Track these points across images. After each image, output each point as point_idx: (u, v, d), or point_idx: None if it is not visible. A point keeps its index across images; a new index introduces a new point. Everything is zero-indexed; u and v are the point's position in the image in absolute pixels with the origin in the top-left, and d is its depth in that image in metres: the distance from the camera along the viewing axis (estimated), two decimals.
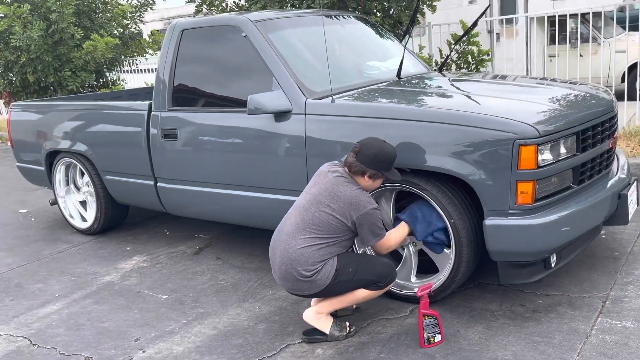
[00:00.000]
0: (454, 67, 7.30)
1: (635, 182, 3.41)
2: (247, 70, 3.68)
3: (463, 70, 7.14)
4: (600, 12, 9.85)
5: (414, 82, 3.81)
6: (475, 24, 4.32)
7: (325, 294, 2.80)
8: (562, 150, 2.87)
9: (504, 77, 4.20)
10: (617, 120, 3.45)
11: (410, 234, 2.97)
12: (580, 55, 9.20)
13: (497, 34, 11.22)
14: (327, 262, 2.74)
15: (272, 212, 3.54)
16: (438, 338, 2.75)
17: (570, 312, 2.93)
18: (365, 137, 3.03)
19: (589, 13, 9.86)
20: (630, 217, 3.22)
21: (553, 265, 2.96)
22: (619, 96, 7.12)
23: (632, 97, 7.75)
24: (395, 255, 3.25)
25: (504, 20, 10.27)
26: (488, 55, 7.08)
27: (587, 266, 3.43)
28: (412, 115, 3.01)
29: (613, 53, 9.64)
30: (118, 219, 4.91)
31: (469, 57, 7.20)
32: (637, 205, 3.44)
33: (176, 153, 3.98)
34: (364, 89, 3.60)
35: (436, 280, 3.08)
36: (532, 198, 2.76)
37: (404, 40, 4.26)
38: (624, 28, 7.19)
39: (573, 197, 2.97)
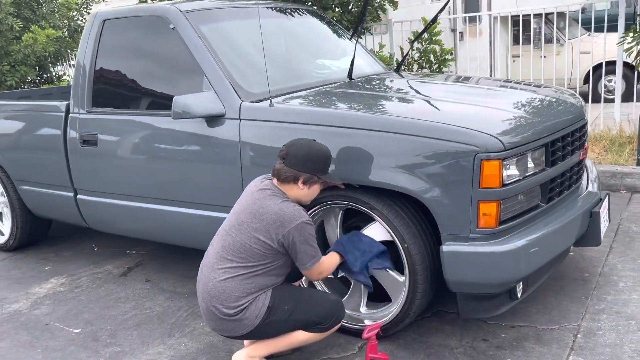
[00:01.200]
0: (415, 66, 6.98)
1: (607, 197, 3.09)
2: (176, 67, 3.22)
3: (425, 71, 6.81)
4: (564, 13, 9.71)
5: (366, 83, 3.41)
6: (434, 20, 3.95)
7: (255, 335, 2.37)
8: (530, 164, 2.51)
9: (466, 79, 3.85)
10: (587, 128, 3.12)
11: (344, 265, 2.57)
12: (544, 56, 9.03)
13: (460, 33, 10.99)
14: (258, 297, 2.31)
15: (205, 231, 3.06)
16: None
17: (538, 348, 2.58)
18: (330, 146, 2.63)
19: (552, 13, 9.69)
20: (602, 236, 2.90)
21: (519, 295, 2.59)
22: (582, 98, 6.94)
23: (595, 99, 7.58)
24: (346, 280, 2.84)
25: (467, 19, 10.00)
26: (451, 54, 6.76)
27: (554, 290, 3.09)
28: (359, 123, 2.60)
29: (576, 54, 9.50)
30: (39, 234, 4.36)
31: (431, 56, 6.89)
32: (609, 222, 3.13)
33: (97, 161, 3.48)
34: (310, 90, 3.17)
35: (387, 313, 2.68)
36: (496, 221, 2.38)
37: (356, 38, 3.83)
38: (588, 29, 6.97)
39: (541, 217, 2.62)
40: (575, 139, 2.82)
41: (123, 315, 3.20)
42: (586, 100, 6.93)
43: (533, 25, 8.76)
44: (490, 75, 10.81)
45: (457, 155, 2.37)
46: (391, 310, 2.66)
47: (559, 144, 2.64)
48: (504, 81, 3.83)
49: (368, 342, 2.32)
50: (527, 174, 2.47)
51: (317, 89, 3.21)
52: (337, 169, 2.60)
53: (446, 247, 2.43)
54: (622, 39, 5.61)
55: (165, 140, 3.19)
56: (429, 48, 6.88)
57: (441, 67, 6.93)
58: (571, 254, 3.54)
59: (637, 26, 5.83)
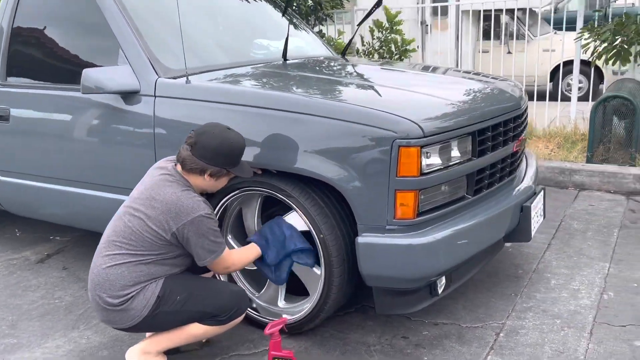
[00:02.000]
0: (376, 56, 6.82)
1: (542, 192, 2.98)
2: (94, 37, 2.99)
3: (386, 60, 6.68)
4: (532, 10, 9.65)
5: (301, 65, 3.23)
6: (379, 3, 3.78)
7: (145, 328, 2.19)
8: (454, 153, 2.37)
9: (414, 67, 3.70)
10: (525, 120, 3.00)
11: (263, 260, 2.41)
12: (509, 52, 8.97)
13: (427, 25, 10.88)
14: (147, 286, 2.13)
15: None
16: None
17: (458, 347, 2.45)
18: (243, 129, 2.44)
19: (522, 9, 9.64)
20: (534, 232, 2.78)
21: (440, 291, 2.46)
22: (544, 96, 6.86)
23: (566, 98, 7.51)
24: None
25: (436, 11, 9.88)
26: (418, 47, 6.61)
27: (486, 287, 2.98)
28: (275, 103, 2.43)
29: (540, 51, 9.48)
30: None
31: (392, 46, 6.75)
32: (543, 218, 3.02)
33: (8, 139, 3.24)
34: (237, 69, 2.98)
35: (304, 308, 2.53)
36: (413, 212, 2.24)
37: (288, 18, 3.65)
38: (560, 29, 6.89)
39: (467, 209, 2.48)
40: (508, 129, 2.69)
41: (29, 305, 2.98)
42: (551, 99, 6.87)
43: (503, 21, 8.67)
44: (448, 67, 10.77)
45: (374, 141, 2.21)
46: (307, 305, 2.51)
47: (489, 133, 2.51)
48: (453, 70, 3.70)
49: (271, 339, 2.16)
50: (450, 164, 2.33)
51: (245, 68, 3.02)
52: (252, 152, 2.42)
53: (361, 239, 2.28)
54: (579, 35, 5.55)
55: (78, 117, 2.97)
56: (389, 37, 6.75)
57: (402, 57, 6.80)
58: (509, 250, 3.44)
59: (596, 22, 5.78)
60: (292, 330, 2.57)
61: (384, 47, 6.80)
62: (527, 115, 3.05)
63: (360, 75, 3.10)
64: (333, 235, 2.36)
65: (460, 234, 2.35)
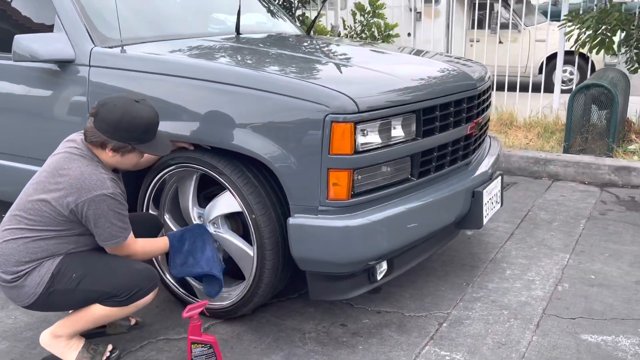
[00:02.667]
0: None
1: (500, 178, 2.85)
2: (28, 2, 2.84)
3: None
4: (528, 1, 9.47)
5: (253, 40, 3.08)
6: None
7: (43, 307, 2.05)
8: (396, 132, 2.23)
9: (378, 46, 3.54)
10: (484, 103, 2.86)
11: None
12: (500, 42, 8.80)
13: (418, 12, 10.69)
14: (44, 263, 1.99)
15: None
16: None
17: (396, 336, 2.34)
18: (162, 100, 2.31)
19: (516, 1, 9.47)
20: (486, 219, 2.66)
21: (379, 277, 2.34)
22: (536, 87, 6.70)
23: (549, 89, 7.35)
24: None
25: None
26: (410, 34, 6.45)
27: (437, 275, 2.86)
28: (207, 74, 2.29)
29: (533, 42, 9.31)
30: None
31: (375, 30, 6.59)
32: (500, 205, 2.89)
33: None
34: (183, 41, 2.84)
35: (236, 292, 2.41)
36: (347, 192, 2.11)
37: None
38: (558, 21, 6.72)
39: (412, 192, 2.36)
40: (461, 110, 2.55)
41: None
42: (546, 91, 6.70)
43: (496, 9, 8.49)
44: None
45: (306, 116, 2.08)
46: (240, 289, 2.39)
47: (436, 113, 2.37)
48: (425, 52, 3.55)
49: (190, 323, 2.04)
50: (390, 143, 2.20)
51: (192, 40, 2.87)
52: (183, 126, 2.29)
53: (292, 220, 2.15)
54: (562, 23, 5.40)
55: (10, 86, 2.82)
56: (371, 21, 6.59)
57: (385, 42, 6.65)
58: (469, 239, 3.32)
59: (581, 10, 5.63)
60: (228, 314, 2.45)
61: (366, 32, 6.65)
62: (487, 98, 2.91)
63: (312, 51, 2.95)
64: (266, 216, 2.23)
65: (399, 217, 2.22)
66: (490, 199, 2.71)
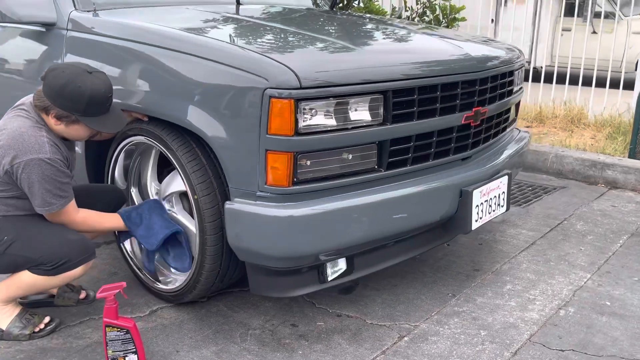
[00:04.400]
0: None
1: (507, 177, 2.46)
2: None
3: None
4: None
5: (249, 10, 2.85)
6: None
7: None
8: (357, 115, 1.95)
9: (392, 22, 3.16)
10: (497, 89, 2.47)
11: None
12: (594, 32, 7.95)
13: None
14: None
15: None
16: (134, 359, 1.94)
17: (345, 345, 2.07)
18: (119, 67, 2.19)
19: None
20: (477, 223, 2.30)
21: (331, 277, 2.08)
22: (630, 85, 5.90)
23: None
24: None
25: None
26: (493, 20, 5.95)
27: (424, 282, 2.54)
28: (151, 38, 2.14)
29: (630, 34, 8.35)
30: None
31: (440, 13, 6.14)
32: (505, 209, 2.51)
33: None
34: (169, 8, 2.69)
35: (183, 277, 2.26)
36: (287, 178, 1.86)
37: None
38: None
39: (379, 184, 2.06)
40: (452, 95, 2.21)
41: None
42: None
43: None
44: (531, 50, 9.79)
45: (245, 89, 1.85)
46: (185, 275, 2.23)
47: (414, 96, 2.05)
48: (438, 32, 3.17)
49: (105, 304, 1.90)
50: (348, 126, 1.92)
51: (180, 7, 2.72)
52: (131, 94, 2.16)
53: (229, 205, 1.94)
54: None
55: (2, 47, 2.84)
56: (434, 3, 6.15)
57: (449, 27, 6.19)
58: (479, 244, 2.94)
59: None
60: (176, 299, 2.31)
61: (428, 14, 6.23)
62: (502, 85, 2.51)
63: (299, 24, 2.67)
64: (210, 197, 2.04)
65: (352, 210, 1.94)
66: (486, 200, 2.34)
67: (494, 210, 2.42)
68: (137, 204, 2.47)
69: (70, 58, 2.46)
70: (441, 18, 6.19)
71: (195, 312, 2.28)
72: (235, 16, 2.62)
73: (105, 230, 2.28)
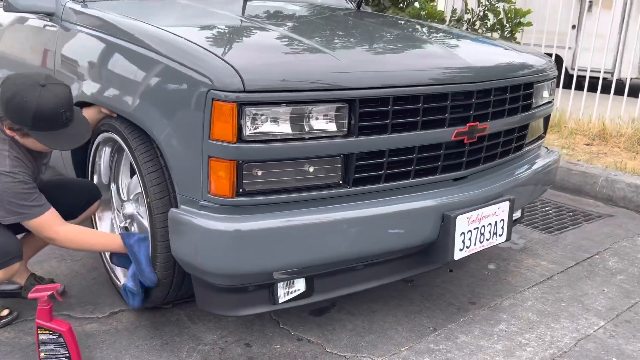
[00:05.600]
0: (482, 29, 5.86)
1: (508, 203, 2.17)
2: None
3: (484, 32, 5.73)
4: None
5: (252, 7, 2.71)
6: None
7: None
8: (318, 124, 1.75)
9: (409, 25, 2.89)
10: (499, 101, 2.18)
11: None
12: None
13: (590, 1, 9.17)
14: None
15: None
16: None
17: None
18: (91, 59, 2.14)
19: None
20: (461, 253, 2.03)
21: (285, 299, 1.90)
22: None
23: None
24: None
25: None
26: (574, 26, 5.51)
27: (408, 311, 2.29)
28: (112, 29, 2.09)
29: None
30: None
31: (503, 17, 5.74)
32: (505, 238, 2.21)
33: None
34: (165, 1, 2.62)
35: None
36: (231, 188, 1.70)
37: None
38: None
39: (345, 201, 1.86)
40: (442, 107, 1.95)
41: None
42: None
43: None
44: (615, 60, 9.00)
45: (191, 88, 1.71)
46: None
47: (387, 106, 1.83)
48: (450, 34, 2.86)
49: (38, 306, 1.83)
50: (304, 137, 1.73)
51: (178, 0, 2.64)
52: (96, 87, 2.10)
53: (172, 212, 1.82)
54: None
55: (16, 34, 2.88)
56: (496, 5, 5.75)
57: (513, 32, 5.78)
58: (487, 273, 2.64)
59: None
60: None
61: (489, 18, 5.83)
62: (506, 99, 2.21)
63: (284, 22, 2.46)
64: (163, 202, 1.92)
65: (304, 228, 1.76)
66: (476, 228, 2.07)
67: (488, 240, 2.14)
68: (114, 201, 2.42)
69: (60, 48, 2.44)
70: (505, 22, 5.80)
71: (154, 319, 2.18)
72: (222, 12, 2.46)
73: (97, 251, 2.20)
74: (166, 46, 1.83)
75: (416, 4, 5.94)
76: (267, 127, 1.69)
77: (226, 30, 2.13)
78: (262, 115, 1.68)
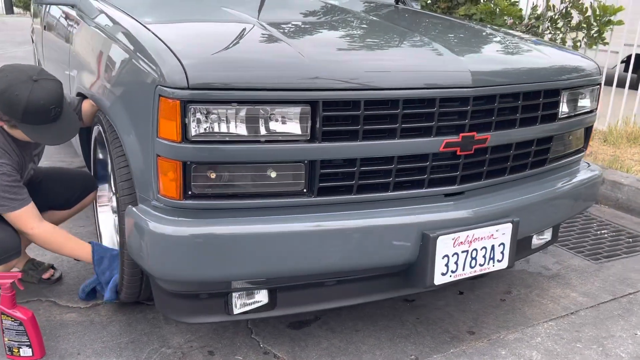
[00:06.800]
0: (566, 31, 5.35)
1: (509, 225, 1.90)
2: None
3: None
4: None
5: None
6: None
7: None
8: (276, 127, 1.62)
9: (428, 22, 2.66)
10: (510, 109, 1.92)
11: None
12: None
13: None
14: None
15: None
16: (27, 352, 1.87)
17: None
18: (82, 48, 2.15)
19: None
20: (444, 278, 1.80)
21: (238, 310, 1.79)
22: None
23: None
24: None
25: None
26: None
27: (394, 334, 2.10)
28: (111, 29, 2.03)
29: None
30: None
31: (590, 15, 5.22)
32: (506, 265, 1.95)
33: None
34: None
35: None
36: (177, 190, 1.62)
37: None
38: None
39: (310, 211, 1.71)
40: (428, 114, 1.74)
41: None
42: None
43: None
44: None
45: (144, 83, 1.64)
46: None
47: (358, 111, 1.65)
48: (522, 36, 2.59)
49: (2, 293, 1.85)
50: (259, 139, 1.60)
51: None
52: (86, 79, 2.10)
53: (129, 210, 1.76)
54: None
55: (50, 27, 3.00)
56: (580, 2, 5.24)
57: (601, 32, 5.25)
58: (503, 300, 2.37)
59: None
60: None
61: (571, 15, 5.33)
62: (518, 107, 1.93)
63: (277, 14, 2.33)
64: (130, 198, 1.86)
65: (258, 237, 1.63)
66: (464, 251, 1.83)
67: (482, 265, 1.89)
68: (107, 194, 2.43)
69: (72, 40, 2.49)
70: (592, 21, 5.29)
71: (132, 315, 2.16)
72: (229, 9, 2.37)
73: (66, 255, 2.19)
74: (135, 41, 1.77)
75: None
76: (218, 127, 1.58)
77: (203, 25, 2.06)
78: (211, 114, 1.57)
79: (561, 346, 2.07)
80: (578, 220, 3.38)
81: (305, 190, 1.70)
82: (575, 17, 5.39)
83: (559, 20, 5.44)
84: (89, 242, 2.11)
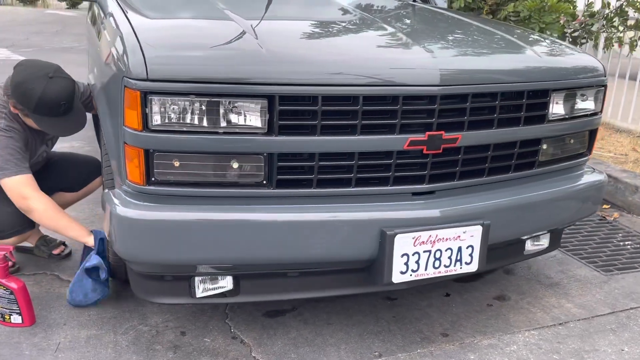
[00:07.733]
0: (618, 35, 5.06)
1: (479, 227, 1.86)
2: None
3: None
4: None
5: None
6: None
7: None
8: (234, 119, 1.67)
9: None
10: (488, 109, 1.87)
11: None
12: None
13: None
14: None
15: None
16: (17, 320, 2.04)
17: None
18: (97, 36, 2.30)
19: None
20: (404, 277, 1.79)
21: (200, 294, 1.86)
22: None
23: None
24: None
25: None
26: None
27: (365, 331, 2.11)
28: (104, 22, 2.15)
29: None
30: None
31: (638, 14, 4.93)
32: (476, 268, 1.90)
33: None
34: None
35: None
36: (141, 176, 1.71)
37: None
38: None
39: (267, 202, 1.76)
40: (392, 111, 1.73)
41: None
42: None
43: None
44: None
45: (116, 73, 1.75)
46: None
47: (316, 106, 1.67)
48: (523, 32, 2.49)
49: None
50: (217, 130, 1.66)
51: None
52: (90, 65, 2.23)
53: (105, 193, 1.88)
54: None
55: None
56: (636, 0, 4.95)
57: None
58: (490, 304, 2.31)
59: None
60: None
61: (627, 13, 5.03)
62: (495, 107, 1.87)
63: (261, 8, 2.36)
64: (111, 183, 1.99)
65: (217, 225, 1.70)
66: (427, 251, 1.81)
67: (447, 267, 1.87)
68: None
69: (99, 22, 2.63)
70: None
71: (123, 292, 2.29)
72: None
73: (60, 233, 2.27)
74: (116, 34, 1.87)
75: None
76: (177, 118, 1.66)
77: (186, 22, 2.13)
78: (170, 105, 1.64)
79: (536, 356, 2.00)
80: (602, 229, 3.22)
81: (265, 182, 1.75)
82: (632, 16, 5.09)
83: (614, 19, 5.16)
84: (91, 231, 2.23)
